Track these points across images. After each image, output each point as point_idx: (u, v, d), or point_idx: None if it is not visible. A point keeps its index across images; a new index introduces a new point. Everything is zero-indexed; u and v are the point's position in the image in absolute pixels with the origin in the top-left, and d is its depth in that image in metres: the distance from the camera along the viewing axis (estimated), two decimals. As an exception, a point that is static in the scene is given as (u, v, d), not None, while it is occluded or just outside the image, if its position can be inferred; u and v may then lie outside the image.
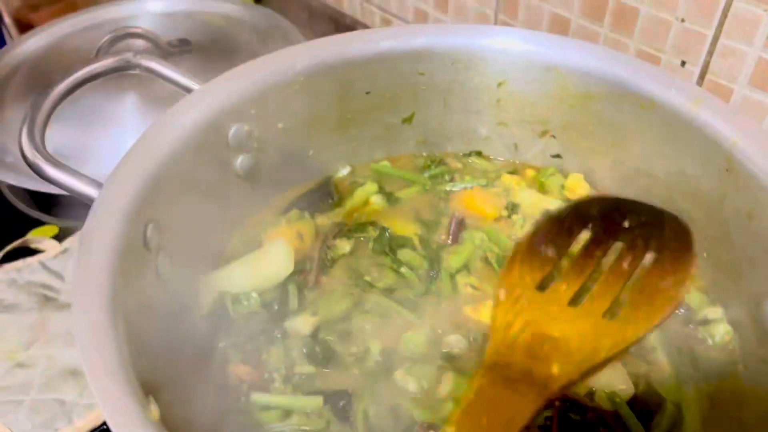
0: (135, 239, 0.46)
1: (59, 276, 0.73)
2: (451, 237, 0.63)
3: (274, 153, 0.63)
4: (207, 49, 0.98)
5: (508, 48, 0.64)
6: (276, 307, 0.56)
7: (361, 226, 0.63)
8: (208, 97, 0.56)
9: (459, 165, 0.72)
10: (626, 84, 0.58)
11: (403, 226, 0.64)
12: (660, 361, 0.53)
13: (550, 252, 0.46)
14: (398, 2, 1.07)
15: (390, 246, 0.61)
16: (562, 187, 0.68)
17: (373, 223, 0.64)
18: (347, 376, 0.52)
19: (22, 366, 0.63)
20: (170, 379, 0.44)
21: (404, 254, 0.61)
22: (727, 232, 0.54)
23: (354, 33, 0.65)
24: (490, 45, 0.64)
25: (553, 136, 0.68)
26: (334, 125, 0.67)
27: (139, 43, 0.92)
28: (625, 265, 0.44)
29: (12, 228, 0.79)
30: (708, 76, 0.72)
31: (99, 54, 0.88)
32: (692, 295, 0.57)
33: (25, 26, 1.16)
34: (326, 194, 0.67)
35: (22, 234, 0.78)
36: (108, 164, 0.49)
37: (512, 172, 0.70)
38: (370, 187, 0.68)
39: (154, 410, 0.37)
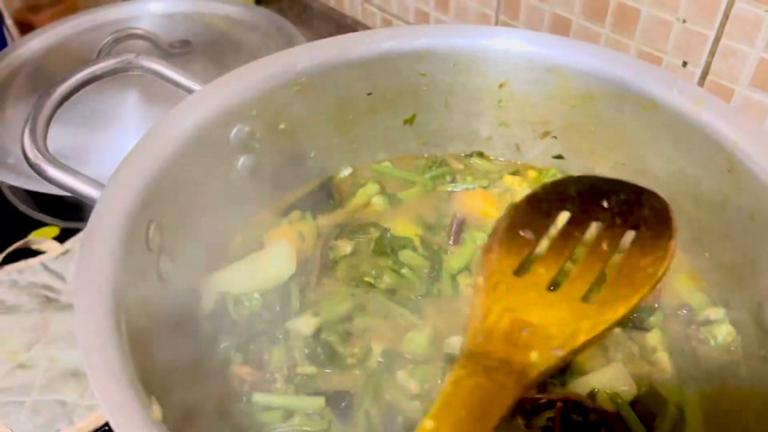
0: (137, 240, 0.46)
1: (60, 277, 0.73)
2: (452, 238, 0.63)
3: (276, 154, 0.63)
4: (208, 50, 0.98)
5: (509, 49, 0.64)
6: (278, 308, 0.56)
7: (363, 227, 0.63)
8: (210, 98, 0.56)
9: (460, 166, 0.72)
10: (627, 85, 0.58)
11: (405, 227, 0.64)
12: (662, 361, 0.53)
13: (528, 235, 0.45)
14: (399, 3, 1.07)
15: (391, 247, 0.61)
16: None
17: (374, 224, 0.64)
18: (349, 377, 0.52)
19: (23, 367, 0.63)
20: (172, 380, 0.44)
21: (405, 255, 0.61)
22: (729, 233, 0.54)
23: (355, 34, 0.65)
24: (492, 46, 0.64)
25: (555, 137, 0.68)
26: (336, 126, 0.67)
27: (141, 44, 0.92)
28: (605, 245, 0.44)
29: (13, 229, 0.79)
30: (709, 77, 0.72)
31: (100, 55, 0.88)
32: (694, 296, 0.57)
33: (26, 28, 1.16)
34: (328, 195, 0.67)
35: (24, 235, 0.78)
36: (110, 165, 0.49)
37: (514, 173, 0.70)
38: (372, 188, 0.68)
39: (156, 410, 0.37)
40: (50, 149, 0.51)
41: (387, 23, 1.11)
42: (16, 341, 0.65)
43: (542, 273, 0.43)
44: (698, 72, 0.73)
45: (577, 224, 0.45)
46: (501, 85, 0.66)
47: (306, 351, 0.53)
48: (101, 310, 0.40)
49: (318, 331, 0.54)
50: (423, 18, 1.04)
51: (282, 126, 0.62)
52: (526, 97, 0.66)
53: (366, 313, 0.56)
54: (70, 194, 0.50)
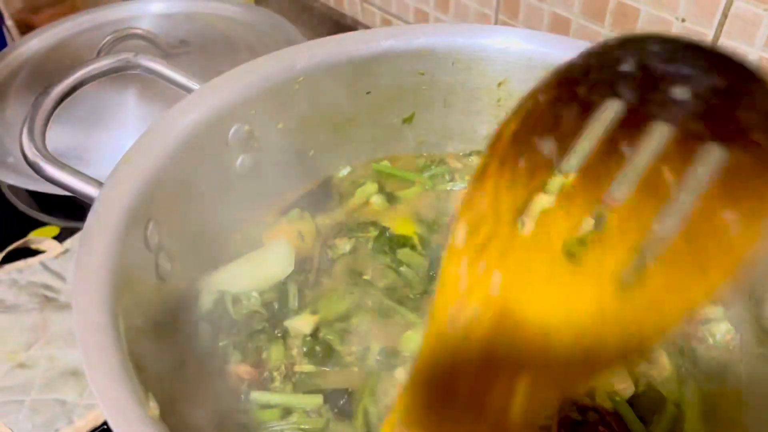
0: (135, 239, 0.46)
1: (60, 276, 0.73)
2: (451, 237, 0.63)
3: (275, 153, 0.63)
4: (207, 49, 0.98)
5: (508, 48, 0.64)
6: (276, 307, 0.56)
7: (362, 226, 0.64)
8: (209, 97, 0.56)
9: (459, 165, 0.72)
10: (626, 83, 0.58)
11: (404, 226, 0.64)
12: (660, 359, 0.53)
13: (549, 147, 0.27)
14: (399, 2, 1.07)
15: (390, 245, 0.61)
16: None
17: (373, 223, 0.64)
18: (347, 375, 0.52)
19: (22, 366, 0.63)
20: (170, 378, 0.44)
21: (404, 254, 0.61)
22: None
23: (354, 33, 0.65)
24: (491, 45, 0.64)
25: (554, 136, 0.68)
26: (335, 125, 0.67)
27: (140, 44, 0.92)
28: (668, 174, 0.24)
29: (13, 228, 0.79)
30: (708, 76, 0.72)
31: (100, 55, 0.88)
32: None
33: (26, 27, 1.16)
34: (326, 194, 0.67)
35: (23, 234, 0.78)
36: (108, 164, 0.49)
37: (513, 172, 0.70)
38: (371, 187, 0.68)
39: (154, 409, 0.37)
40: (49, 148, 0.51)
41: (386, 23, 1.11)
42: (15, 340, 0.65)
43: (559, 224, 0.26)
44: (697, 71, 0.73)
45: (629, 126, 0.25)
46: (500, 84, 0.66)
47: (304, 349, 0.53)
48: (100, 309, 0.40)
49: (316, 330, 0.54)
50: (422, 17, 1.04)
51: (281, 125, 0.62)
52: (525, 96, 0.66)
53: (365, 311, 0.56)
54: (69, 193, 0.50)
